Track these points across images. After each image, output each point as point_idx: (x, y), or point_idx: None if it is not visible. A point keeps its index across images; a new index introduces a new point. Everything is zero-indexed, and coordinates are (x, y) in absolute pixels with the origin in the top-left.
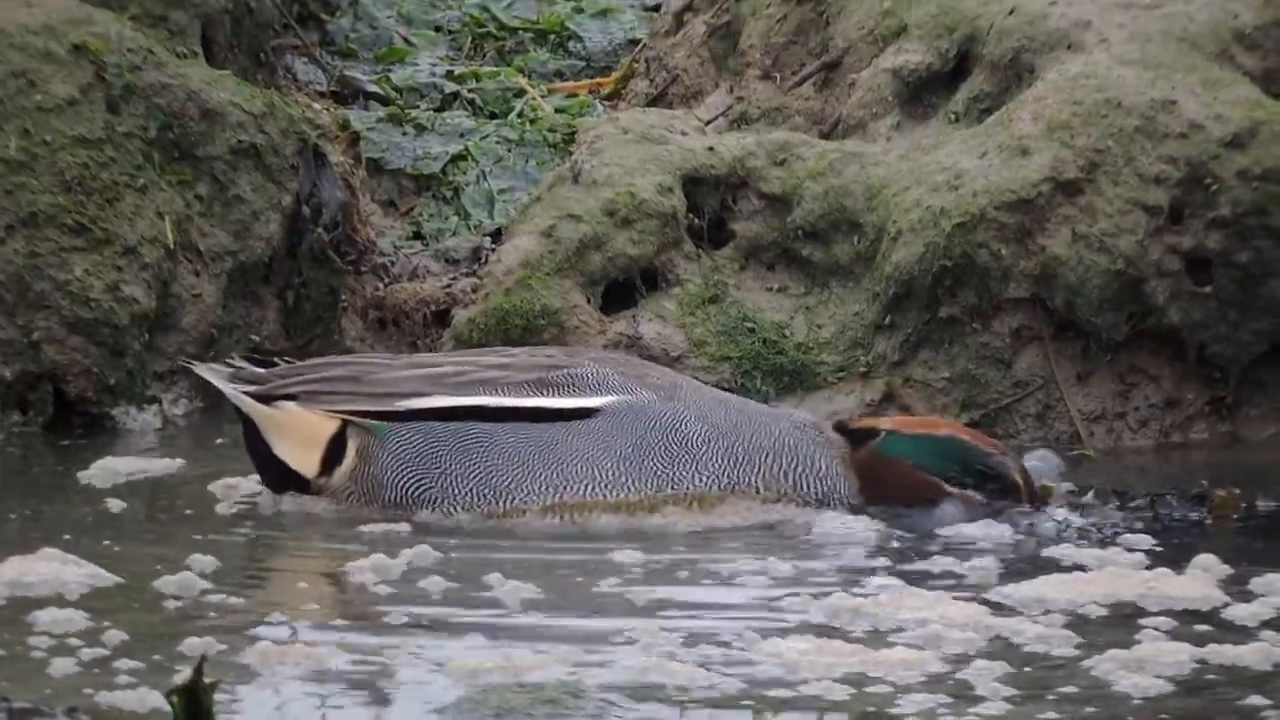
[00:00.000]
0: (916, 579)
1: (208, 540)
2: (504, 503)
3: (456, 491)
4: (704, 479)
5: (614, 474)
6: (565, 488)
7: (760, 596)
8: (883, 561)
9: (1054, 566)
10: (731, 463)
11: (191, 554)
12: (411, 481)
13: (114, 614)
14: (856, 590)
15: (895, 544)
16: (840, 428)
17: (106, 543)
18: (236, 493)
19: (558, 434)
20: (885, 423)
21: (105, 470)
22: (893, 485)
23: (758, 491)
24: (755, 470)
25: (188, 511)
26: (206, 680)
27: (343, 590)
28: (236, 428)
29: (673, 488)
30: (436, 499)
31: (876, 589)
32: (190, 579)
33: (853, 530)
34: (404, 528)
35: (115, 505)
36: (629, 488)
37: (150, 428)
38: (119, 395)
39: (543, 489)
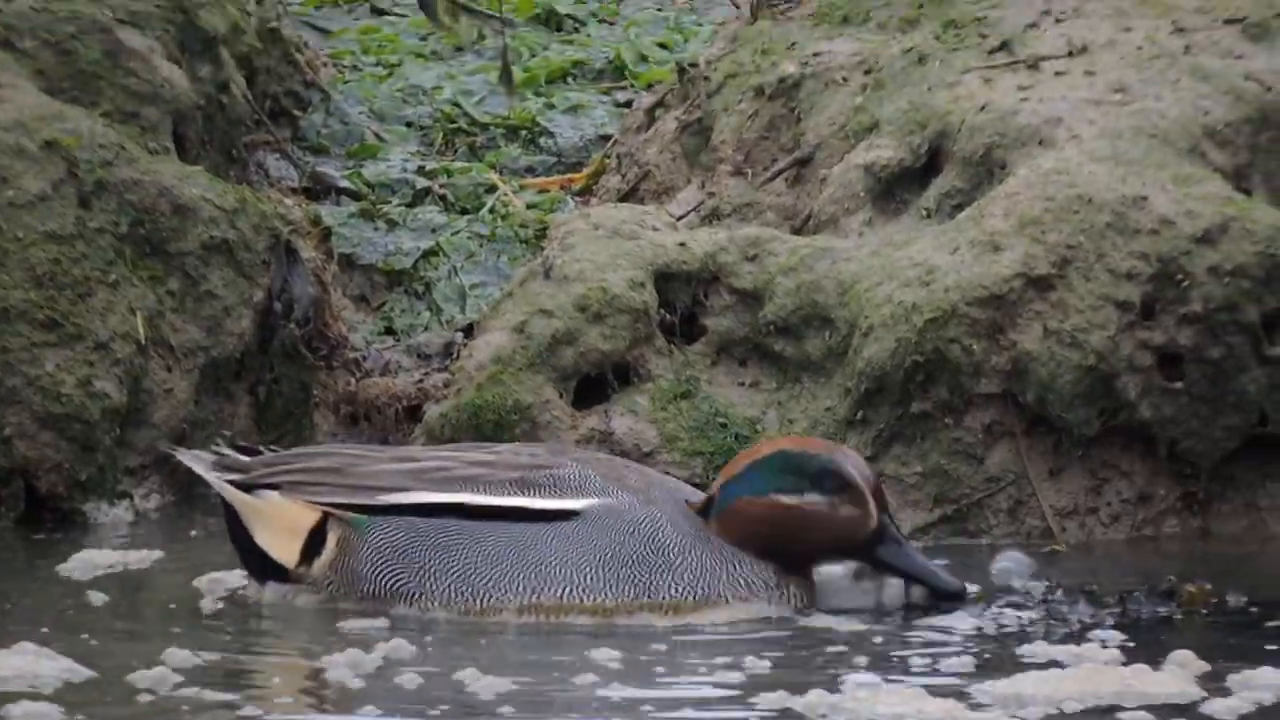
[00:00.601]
0: (894, 674)
1: (186, 634)
2: (481, 601)
3: (434, 588)
4: (680, 589)
5: (592, 578)
6: (543, 589)
7: (737, 694)
8: (861, 658)
9: (1031, 663)
10: (702, 573)
11: (168, 648)
12: (389, 575)
13: (87, 708)
14: (834, 687)
15: (874, 640)
16: (698, 510)
17: (84, 636)
18: (221, 586)
19: (537, 535)
20: (715, 484)
21: (84, 562)
22: (748, 528)
23: (726, 601)
24: (717, 579)
25: (170, 605)
26: None
27: (317, 685)
28: (210, 521)
29: (649, 595)
30: (414, 594)
31: (854, 685)
32: (165, 674)
33: (831, 625)
34: (383, 622)
35: (96, 598)
36: (606, 592)
37: (122, 522)
38: (90, 490)
39: (520, 589)
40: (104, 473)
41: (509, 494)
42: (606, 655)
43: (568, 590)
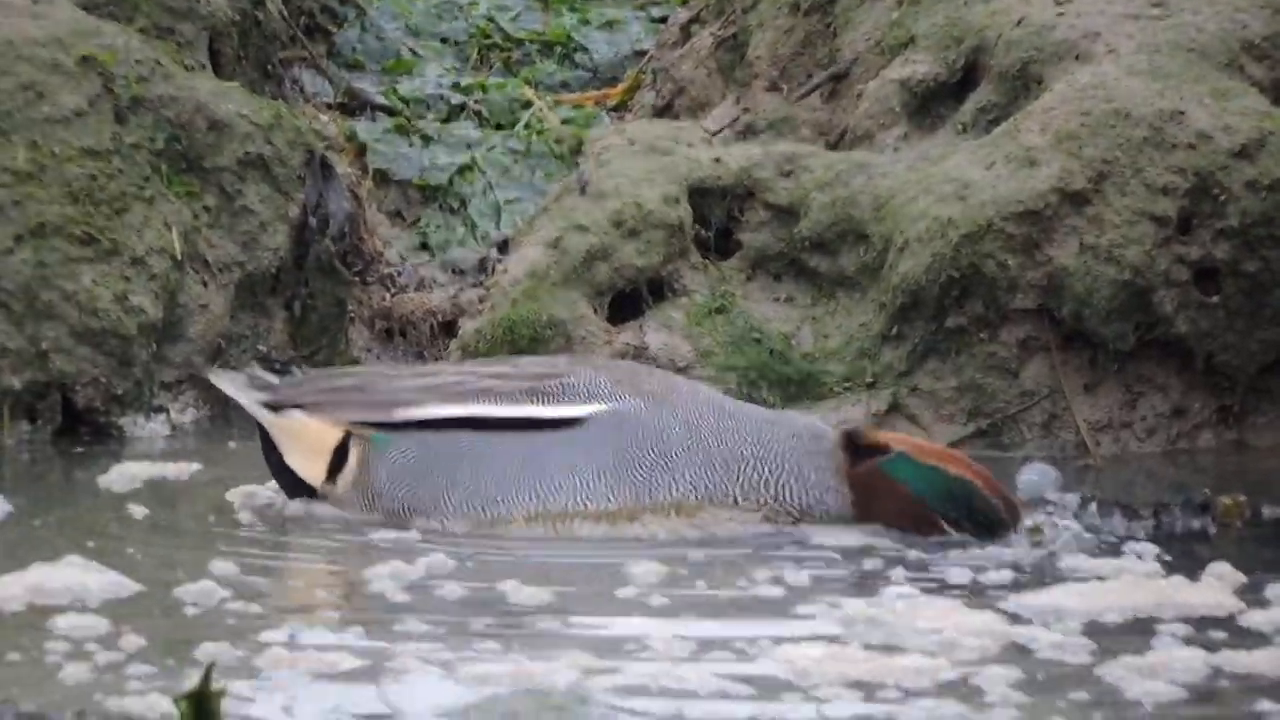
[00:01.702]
0: (933, 589)
1: (228, 548)
2: (491, 512)
3: (447, 502)
4: (681, 488)
5: (594, 484)
6: (548, 497)
7: (776, 605)
8: (900, 572)
9: (1070, 576)
10: (709, 471)
11: (212, 560)
12: (405, 491)
13: (133, 620)
14: (872, 599)
15: (912, 555)
16: (850, 438)
17: (129, 549)
18: (255, 500)
19: (543, 443)
20: (899, 442)
21: (123, 475)
22: (888, 507)
23: (735, 501)
24: (733, 478)
25: (210, 518)
26: (214, 686)
27: (360, 597)
28: (246, 435)
29: (650, 497)
30: (429, 509)
31: (893, 598)
32: (210, 587)
33: (871, 541)
34: (417, 535)
35: (137, 511)
36: (608, 497)
37: (158, 435)
38: (126, 405)
39: (527, 498)
40: (140, 387)
41: (519, 404)
42: (646, 568)
43: (571, 497)
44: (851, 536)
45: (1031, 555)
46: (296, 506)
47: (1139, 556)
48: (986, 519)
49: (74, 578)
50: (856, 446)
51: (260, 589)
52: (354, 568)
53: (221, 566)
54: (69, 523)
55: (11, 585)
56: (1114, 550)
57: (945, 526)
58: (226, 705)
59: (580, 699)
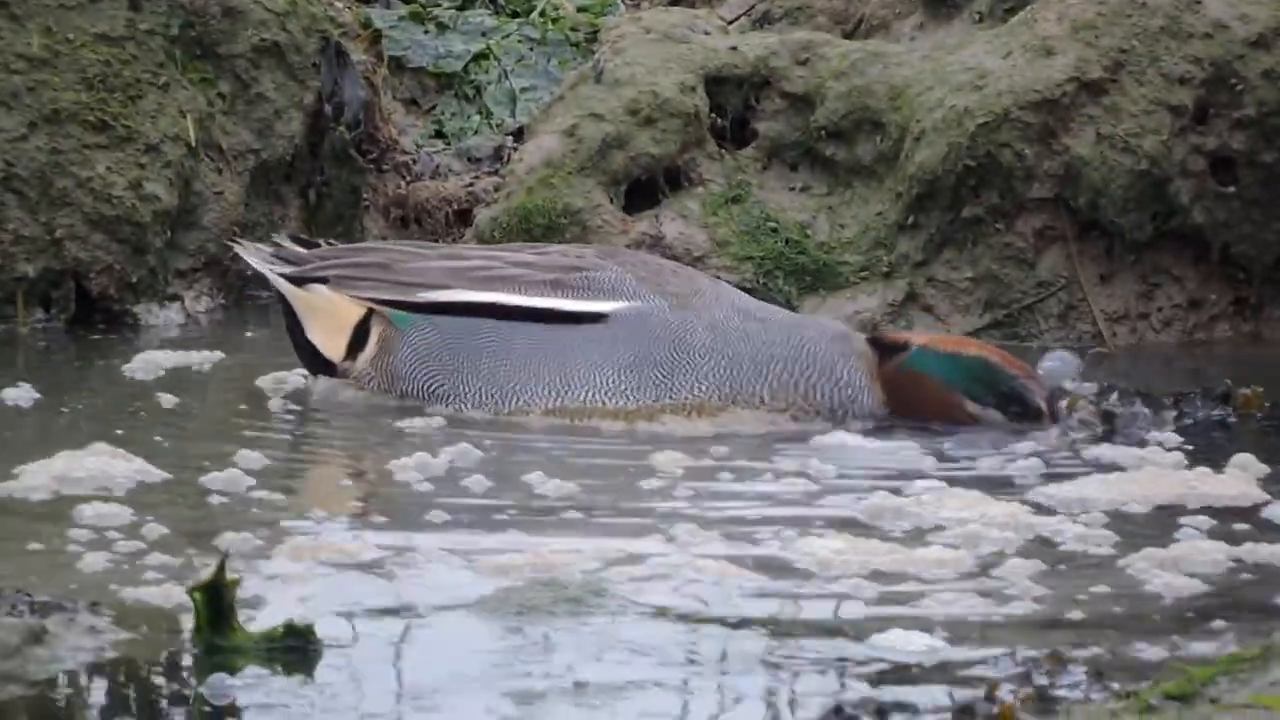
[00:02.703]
0: (960, 480)
1: (254, 436)
2: (509, 403)
3: (465, 388)
4: (704, 388)
5: (614, 381)
6: (567, 392)
7: (801, 497)
8: (927, 464)
9: (1096, 467)
10: (734, 371)
11: (239, 450)
12: (425, 375)
13: (157, 509)
14: (898, 491)
15: (940, 447)
16: (873, 340)
17: (157, 438)
18: (284, 387)
19: (564, 337)
20: (917, 338)
21: (147, 363)
22: (918, 400)
23: (762, 400)
24: (762, 378)
25: (239, 406)
26: (229, 576)
27: (385, 488)
28: (263, 323)
29: (670, 397)
30: (448, 394)
31: (919, 490)
32: (237, 476)
33: (899, 434)
34: (451, 425)
35: (165, 399)
36: (628, 395)
37: (173, 324)
38: (141, 292)
39: (546, 391)
40: (155, 275)
41: (543, 295)
42: (670, 458)
43: (590, 393)
44: (880, 432)
45: (1073, 435)
46: (322, 388)
47: (1159, 445)
48: (1012, 391)
49: (100, 466)
50: (882, 346)
51: (286, 478)
52: (380, 457)
53: (248, 455)
54: (95, 411)
55: (38, 474)
56: (1136, 439)
57: (975, 410)
58: (241, 595)
59: (596, 591)
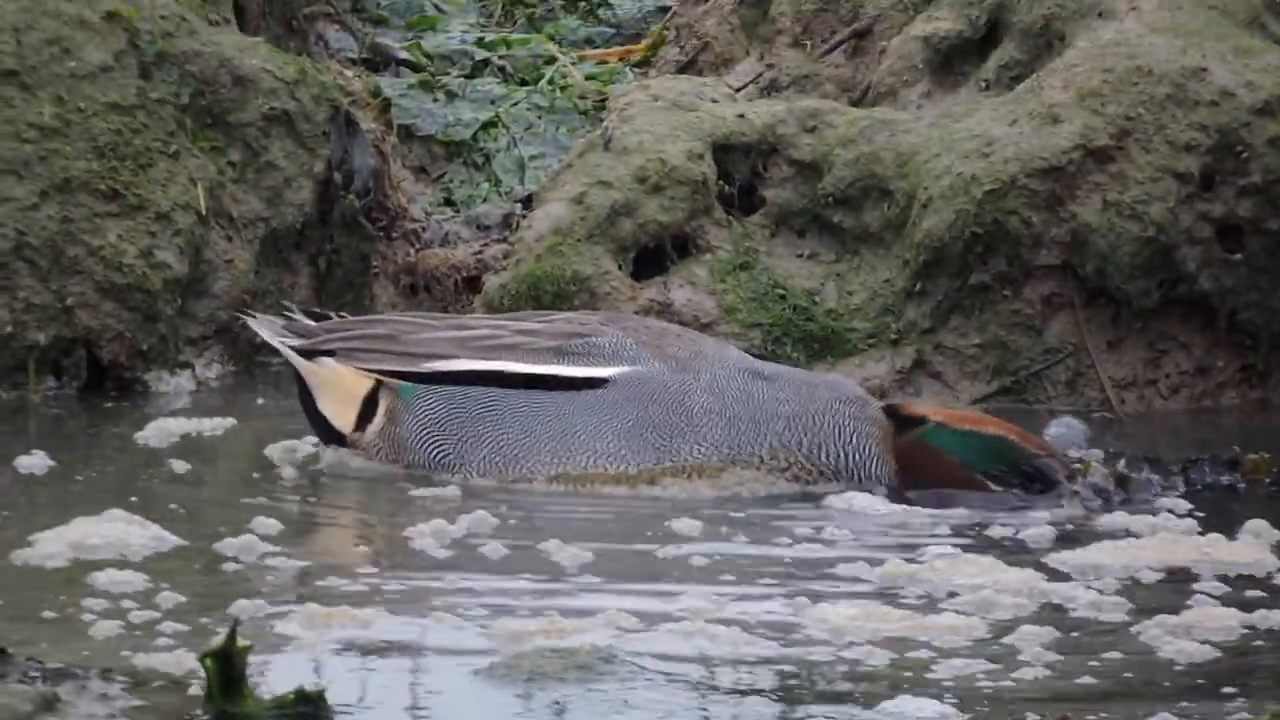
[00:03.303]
0: (973, 547)
1: (270, 503)
2: (513, 470)
3: (471, 457)
4: (703, 450)
5: (614, 446)
6: (569, 458)
7: (817, 563)
8: (941, 530)
9: (1108, 533)
10: (733, 431)
11: (255, 517)
12: (431, 444)
13: (172, 576)
14: (912, 557)
15: (953, 511)
16: (889, 410)
17: (172, 505)
18: (295, 455)
19: (566, 404)
20: (934, 414)
21: (160, 430)
22: (933, 476)
23: (761, 461)
24: (761, 438)
25: (251, 474)
26: (240, 644)
27: (401, 554)
28: (273, 390)
29: (671, 459)
30: (453, 464)
31: (933, 556)
32: (252, 542)
33: (911, 501)
34: (455, 491)
35: (178, 466)
36: (628, 459)
37: (184, 391)
38: (151, 360)
39: (549, 458)
40: (165, 342)
41: (545, 362)
42: (688, 525)
43: (591, 459)
44: (892, 496)
45: (1088, 502)
46: (331, 458)
47: (1170, 511)
48: (1035, 471)
49: (116, 533)
50: (898, 418)
51: (301, 545)
52: (396, 524)
53: (263, 522)
54: (110, 478)
55: (54, 541)
56: (1137, 508)
57: (993, 487)
58: (253, 662)
59: (606, 658)
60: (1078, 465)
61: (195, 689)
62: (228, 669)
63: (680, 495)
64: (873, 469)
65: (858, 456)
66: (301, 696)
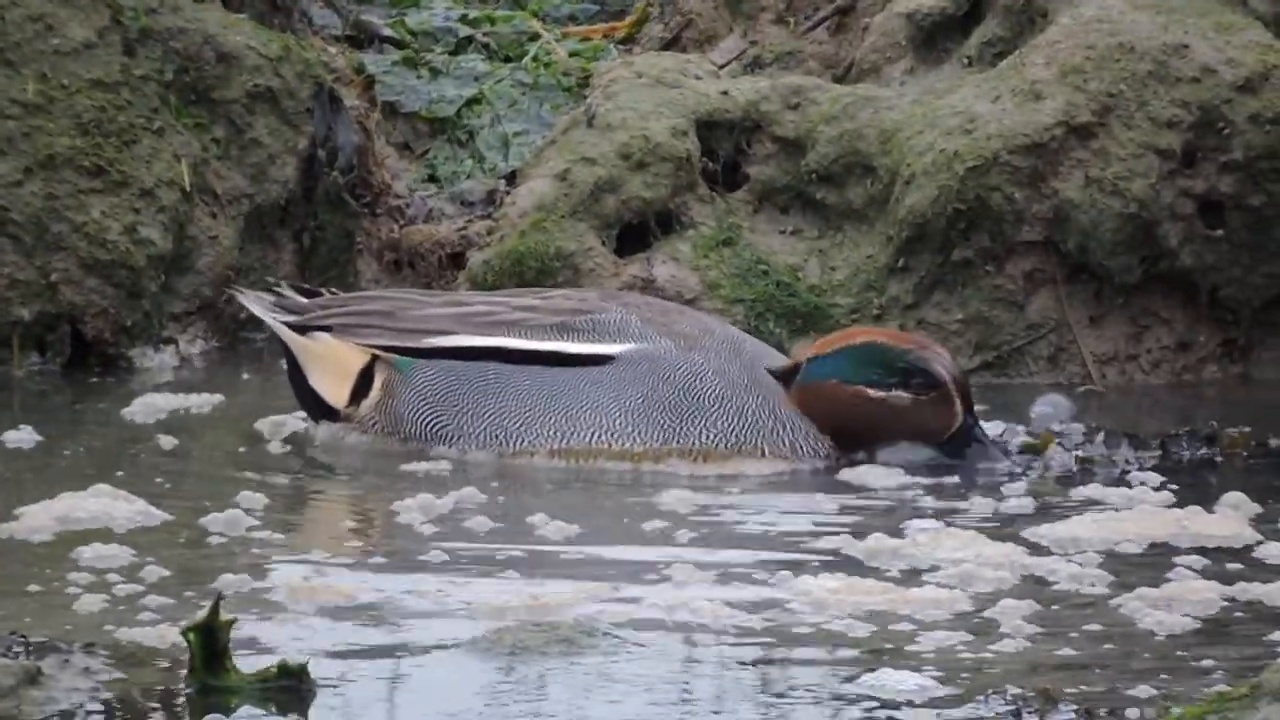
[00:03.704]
0: (957, 520)
1: (257, 478)
2: (514, 444)
3: (470, 430)
4: (711, 436)
5: (620, 423)
6: (572, 434)
7: (802, 536)
8: (926, 503)
9: (1086, 506)
10: (741, 422)
11: (241, 491)
12: (430, 417)
13: (157, 550)
14: (896, 531)
15: (933, 486)
16: (774, 373)
17: (159, 480)
18: (283, 430)
19: (570, 380)
20: (804, 351)
21: (147, 406)
22: (832, 410)
23: (763, 454)
24: (759, 432)
25: (238, 449)
26: (223, 618)
27: (387, 529)
28: (257, 366)
29: (679, 442)
30: (452, 436)
31: (915, 530)
32: (238, 516)
33: (895, 474)
34: (454, 467)
35: (165, 441)
36: (635, 438)
37: (168, 367)
38: (135, 336)
39: (551, 434)
40: (149, 318)
41: (548, 338)
42: (677, 497)
43: (596, 435)
44: (882, 471)
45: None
46: (324, 433)
47: (1145, 485)
48: (907, 365)
49: (102, 507)
50: (781, 375)
51: (287, 519)
52: (383, 499)
53: (249, 497)
54: (96, 453)
55: (40, 515)
56: (1120, 480)
57: (882, 395)
58: (237, 636)
59: (588, 631)
60: (1036, 438)
61: (179, 663)
62: (210, 643)
63: (684, 473)
64: (805, 433)
65: (796, 431)
66: (284, 670)
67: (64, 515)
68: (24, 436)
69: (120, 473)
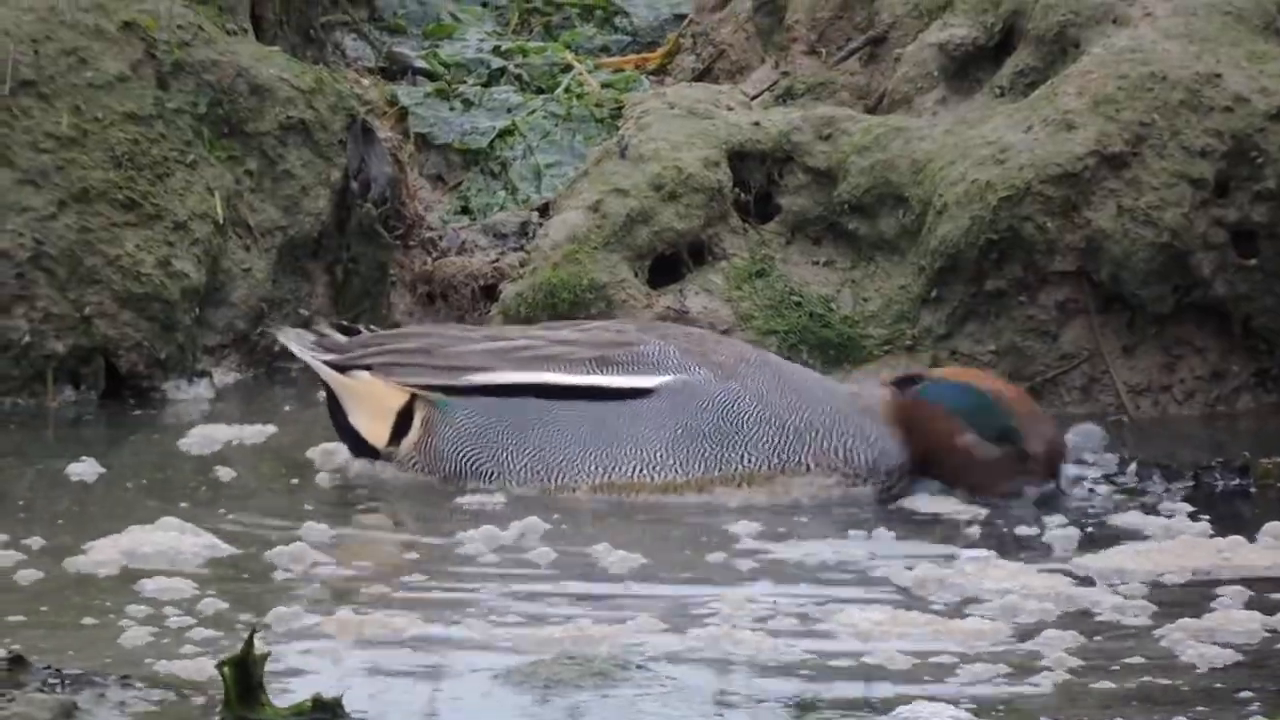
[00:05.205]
0: (1005, 550)
1: (319, 509)
2: (555, 480)
3: (511, 467)
4: (753, 459)
5: (662, 456)
6: (614, 468)
7: (855, 566)
8: (975, 532)
9: (1128, 537)
10: (782, 439)
11: (305, 523)
12: (470, 453)
13: (221, 584)
14: (945, 560)
15: (989, 514)
16: (895, 381)
17: (222, 511)
18: (334, 459)
19: (610, 413)
20: (935, 372)
21: (203, 437)
22: (923, 430)
23: (808, 469)
24: (806, 447)
25: (294, 480)
26: (258, 651)
27: (449, 560)
28: (296, 395)
29: (720, 469)
30: (492, 472)
31: (965, 559)
32: (303, 549)
33: (949, 500)
34: (501, 498)
35: (224, 474)
36: (676, 470)
37: (203, 399)
38: (169, 369)
39: (593, 468)
40: (183, 351)
41: (587, 372)
42: (745, 528)
43: (638, 468)
44: (938, 497)
45: (1066, 501)
46: (359, 469)
47: (1179, 514)
48: (1006, 431)
49: (169, 541)
50: (902, 382)
51: (351, 552)
52: (446, 531)
53: (315, 530)
54: (159, 485)
55: (107, 548)
56: (1152, 510)
57: (970, 440)
58: (280, 669)
59: (623, 665)
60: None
61: (215, 696)
62: (245, 676)
63: (733, 503)
64: (886, 448)
65: (881, 446)
66: (318, 703)
67: (131, 550)
68: (87, 469)
69: (184, 504)
